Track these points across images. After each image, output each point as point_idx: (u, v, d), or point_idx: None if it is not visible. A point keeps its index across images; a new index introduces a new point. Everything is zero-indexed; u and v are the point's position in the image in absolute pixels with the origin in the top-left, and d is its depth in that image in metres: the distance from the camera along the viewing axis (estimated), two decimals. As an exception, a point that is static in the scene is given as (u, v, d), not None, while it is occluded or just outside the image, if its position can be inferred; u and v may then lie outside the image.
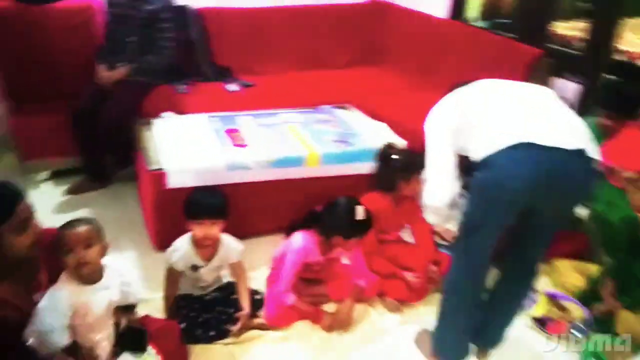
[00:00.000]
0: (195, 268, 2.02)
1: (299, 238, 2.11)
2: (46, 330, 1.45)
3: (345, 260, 2.25)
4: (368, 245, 2.26)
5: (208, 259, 2.03)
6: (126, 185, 2.90)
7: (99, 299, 1.56)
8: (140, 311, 1.95)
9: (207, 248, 2.01)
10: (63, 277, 1.54)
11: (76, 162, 2.92)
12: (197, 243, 1.99)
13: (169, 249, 2.00)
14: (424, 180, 1.85)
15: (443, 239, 2.47)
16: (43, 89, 2.84)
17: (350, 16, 3.80)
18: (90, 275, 1.55)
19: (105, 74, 2.80)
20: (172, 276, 2.02)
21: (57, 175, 2.99)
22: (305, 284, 2.23)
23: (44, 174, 2.96)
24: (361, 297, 2.23)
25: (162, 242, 2.25)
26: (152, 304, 2.09)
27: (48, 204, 2.76)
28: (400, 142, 2.68)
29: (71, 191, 2.86)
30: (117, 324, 1.67)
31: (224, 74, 3.37)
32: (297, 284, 2.16)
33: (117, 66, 2.81)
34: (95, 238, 1.56)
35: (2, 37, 2.76)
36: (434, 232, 2.46)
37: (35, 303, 1.50)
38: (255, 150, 2.50)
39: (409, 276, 2.27)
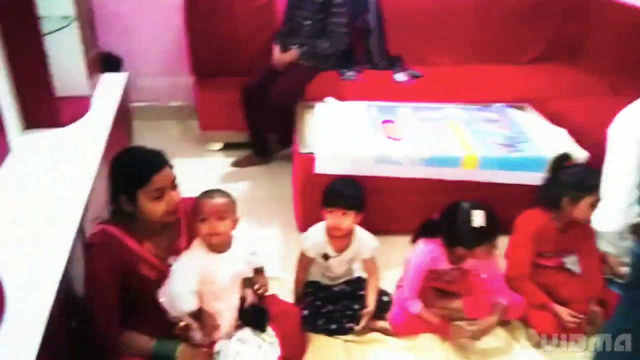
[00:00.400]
0: (326, 257, 1.99)
1: (422, 245, 1.95)
2: (176, 292, 1.54)
3: (483, 275, 2.02)
4: (519, 265, 2.00)
5: (340, 250, 1.99)
6: (285, 165, 3.01)
7: (226, 268, 1.61)
8: (271, 289, 2.00)
9: (339, 239, 1.97)
10: (195, 243, 1.63)
11: (246, 137, 3.11)
12: (330, 232, 1.96)
13: (304, 234, 2.01)
14: (598, 200, 1.54)
15: (616, 274, 2.07)
16: (223, 65, 3.07)
17: (543, 5, 3.37)
18: (220, 245, 1.61)
19: (278, 55, 2.91)
20: (304, 261, 2.02)
21: (228, 147, 3.22)
22: (437, 295, 2.06)
23: (218, 145, 3.22)
24: (503, 317, 1.98)
25: (306, 224, 2.27)
26: (284, 284, 2.14)
27: (216, 172, 3.01)
28: (580, 154, 2.30)
29: (236, 164, 3.07)
30: (242, 299, 1.71)
31: (395, 63, 3.27)
32: (427, 294, 2.01)
33: (290, 49, 2.89)
34: (229, 211, 1.61)
35: (192, 15, 3.02)
36: (605, 265, 2.07)
37: (171, 266, 1.62)
38: (408, 145, 2.37)
39: (563, 312, 1.94)
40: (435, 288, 2.07)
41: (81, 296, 1.70)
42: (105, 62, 3.14)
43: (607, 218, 1.48)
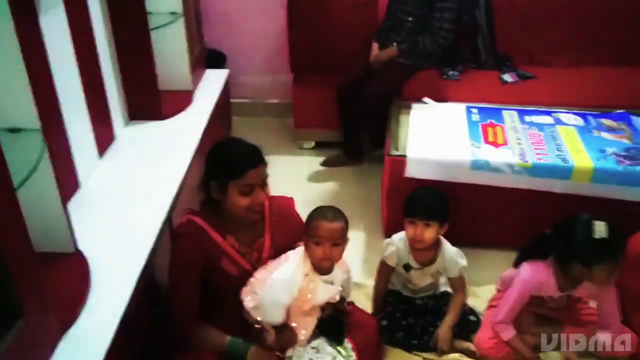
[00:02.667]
0: (407, 268, 1.87)
1: (528, 267, 1.74)
2: (268, 302, 1.50)
3: (593, 304, 1.78)
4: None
5: (423, 262, 1.86)
6: (376, 167, 2.91)
7: (323, 291, 1.56)
8: (350, 296, 1.93)
9: (423, 251, 1.84)
10: (299, 254, 1.58)
11: (338, 136, 3.06)
12: (411, 244, 1.83)
13: (386, 241, 1.90)
14: None
15: None
16: (321, 63, 3.03)
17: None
18: (326, 268, 1.57)
19: (377, 52, 2.82)
20: (384, 270, 1.92)
21: (320, 146, 3.19)
22: (535, 321, 1.85)
23: (310, 143, 3.20)
24: (602, 354, 1.74)
25: (392, 230, 2.16)
26: (364, 290, 2.06)
27: (305, 170, 2.99)
28: None
29: (327, 163, 3.02)
30: (322, 308, 1.65)
31: (503, 63, 3.03)
32: (524, 318, 1.81)
33: (389, 45, 2.79)
34: (344, 237, 1.57)
35: (294, 12, 3.02)
36: None
37: (255, 262, 1.60)
38: (510, 152, 2.17)
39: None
40: (534, 313, 1.86)
41: (164, 286, 1.75)
42: (209, 58, 3.25)
43: None
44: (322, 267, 1.55)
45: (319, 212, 1.56)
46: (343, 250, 1.57)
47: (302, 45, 3.01)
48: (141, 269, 1.58)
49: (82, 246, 1.61)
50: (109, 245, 1.68)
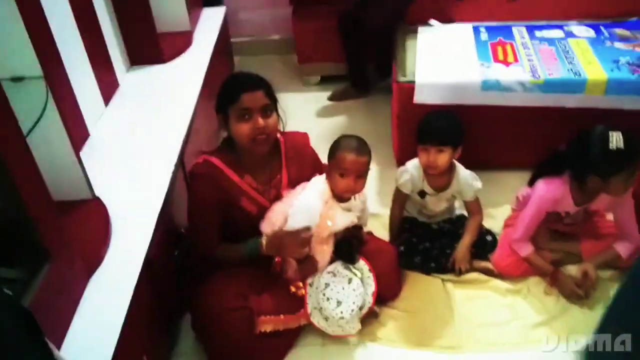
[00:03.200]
0: (422, 194, 1.87)
1: (543, 184, 1.74)
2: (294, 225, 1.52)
3: (609, 217, 1.78)
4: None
5: (438, 188, 1.86)
6: (384, 97, 2.86)
7: (342, 218, 1.58)
8: (368, 226, 1.95)
9: (437, 176, 1.83)
10: (319, 181, 1.59)
11: (344, 69, 2.99)
12: (425, 170, 1.82)
13: (400, 169, 1.90)
14: None
15: None
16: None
17: None
18: (347, 197, 1.59)
19: (377, -26, 2.70)
20: (399, 197, 1.92)
21: (325, 81, 3.13)
22: (552, 236, 1.87)
23: (315, 78, 3.13)
24: (617, 263, 1.77)
25: (404, 159, 2.14)
26: (381, 220, 2.08)
27: (313, 107, 2.94)
28: None
29: (334, 97, 2.97)
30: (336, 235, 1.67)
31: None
32: (541, 233, 1.83)
33: (390, -32, 2.66)
34: (368, 169, 1.57)
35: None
36: None
37: (273, 198, 1.61)
38: (521, 69, 2.11)
39: None
40: (550, 229, 1.88)
41: (184, 226, 1.78)
42: (204, -4, 3.14)
43: None
44: (344, 197, 1.56)
45: (346, 143, 1.55)
46: (365, 181, 1.58)
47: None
48: (159, 210, 1.60)
49: (99, 193, 1.63)
50: (126, 190, 1.69)
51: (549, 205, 1.74)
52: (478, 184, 1.85)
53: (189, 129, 2.00)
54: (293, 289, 1.61)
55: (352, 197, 1.61)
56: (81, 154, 1.83)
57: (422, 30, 2.49)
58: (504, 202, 2.08)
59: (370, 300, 1.63)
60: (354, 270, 1.63)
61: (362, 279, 1.61)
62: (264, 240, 1.55)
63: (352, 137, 1.59)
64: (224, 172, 1.54)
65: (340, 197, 1.58)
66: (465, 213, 1.96)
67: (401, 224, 1.96)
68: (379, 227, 2.05)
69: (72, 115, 1.82)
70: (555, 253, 1.84)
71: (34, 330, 0.91)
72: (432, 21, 2.55)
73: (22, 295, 1.11)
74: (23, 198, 1.10)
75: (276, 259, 1.61)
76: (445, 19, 2.57)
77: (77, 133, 1.87)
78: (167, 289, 1.65)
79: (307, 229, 1.50)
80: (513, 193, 2.01)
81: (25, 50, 1.32)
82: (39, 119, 1.30)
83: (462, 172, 1.86)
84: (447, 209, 1.95)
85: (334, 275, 1.59)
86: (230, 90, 1.50)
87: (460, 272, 1.83)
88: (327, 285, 1.57)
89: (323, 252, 1.59)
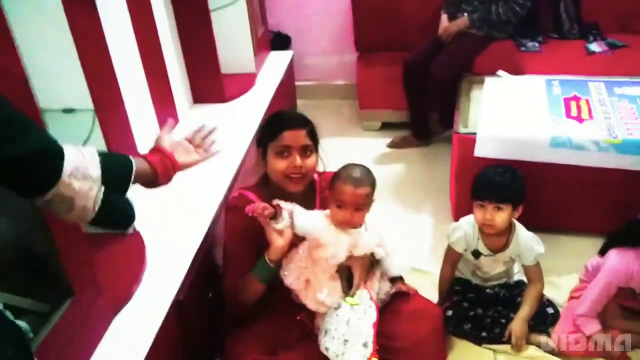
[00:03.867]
0: (476, 254, 1.72)
1: (617, 255, 1.54)
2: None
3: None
4: None
5: (495, 249, 1.71)
6: (445, 148, 2.74)
7: (344, 241, 1.45)
8: (415, 283, 1.81)
9: (494, 236, 1.68)
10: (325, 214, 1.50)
11: (405, 117, 2.92)
12: (480, 228, 1.68)
13: (452, 225, 1.76)
14: None
15: None
16: (386, 40, 2.89)
17: None
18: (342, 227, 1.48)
19: (446, 23, 2.64)
20: (451, 256, 1.78)
21: (386, 127, 3.06)
22: (623, 314, 1.65)
23: (376, 124, 3.07)
24: None
25: (460, 214, 2.01)
26: (431, 278, 1.94)
27: (371, 153, 2.87)
28: None
29: (393, 145, 2.89)
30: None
31: (589, 32, 2.74)
32: (610, 311, 1.62)
33: (459, 16, 2.60)
34: (369, 202, 1.47)
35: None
36: None
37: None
38: (596, 126, 1.94)
39: None
40: (622, 306, 1.66)
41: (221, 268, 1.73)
42: (274, 41, 3.21)
43: None
44: (344, 229, 1.46)
45: (345, 173, 1.46)
46: (365, 214, 1.47)
47: (367, 21, 2.88)
48: (196, 250, 1.57)
49: (140, 226, 1.62)
50: (167, 227, 1.68)
51: (622, 280, 1.54)
52: (540, 248, 1.68)
53: (239, 169, 1.98)
54: None
55: (362, 229, 1.49)
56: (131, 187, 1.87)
57: (489, 81, 2.38)
58: (570, 271, 1.88)
59: (371, 333, 1.42)
60: (348, 298, 1.46)
61: (357, 308, 1.42)
62: (266, 255, 1.45)
63: (355, 166, 1.49)
64: None
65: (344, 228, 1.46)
66: (524, 279, 1.78)
67: (452, 286, 1.80)
68: (429, 286, 1.90)
69: (126, 149, 1.86)
70: (625, 334, 1.60)
71: (22, 348, 0.86)
72: (501, 72, 2.44)
73: (39, 328, 1.09)
74: (51, 231, 1.09)
75: (300, 315, 1.50)
76: (516, 71, 2.45)
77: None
78: (197, 331, 1.59)
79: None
80: (581, 261, 1.81)
81: (78, 84, 1.36)
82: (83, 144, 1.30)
83: (522, 233, 1.69)
84: (504, 272, 1.78)
85: (335, 308, 1.46)
86: (273, 126, 1.49)
87: (516, 347, 1.64)
88: (323, 318, 1.45)
89: (334, 288, 1.46)
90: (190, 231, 1.65)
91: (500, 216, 1.61)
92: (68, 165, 0.87)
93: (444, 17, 2.66)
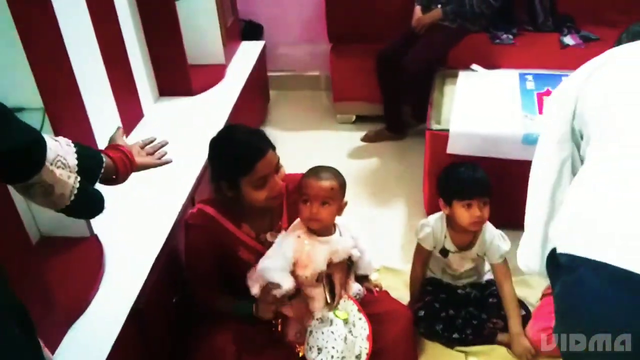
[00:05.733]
0: (444, 252, 1.70)
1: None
2: (268, 268, 1.40)
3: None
4: None
5: (462, 246, 1.68)
6: (419, 142, 2.70)
7: (323, 252, 1.42)
8: (386, 282, 1.78)
9: (461, 234, 1.66)
10: (296, 223, 1.47)
11: (380, 110, 2.87)
12: (456, 226, 1.65)
13: (420, 222, 1.73)
14: None
15: None
16: (360, 31, 2.82)
17: None
18: (320, 230, 1.44)
19: (419, 15, 2.58)
20: (420, 254, 1.75)
21: (360, 120, 3.01)
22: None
23: (349, 117, 3.02)
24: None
25: (433, 211, 1.98)
26: (402, 277, 1.92)
27: (345, 147, 2.82)
28: None
29: (367, 138, 2.85)
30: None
31: (563, 24, 2.72)
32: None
33: (432, 8, 2.55)
34: (335, 197, 1.43)
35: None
36: None
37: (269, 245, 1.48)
38: (569, 123, 1.92)
39: None
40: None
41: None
42: (245, 30, 3.12)
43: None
44: (312, 228, 1.42)
45: (312, 171, 1.44)
46: (334, 212, 1.42)
47: (340, 12, 2.80)
48: (156, 255, 1.50)
49: (99, 229, 1.55)
50: (127, 229, 1.60)
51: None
52: (505, 246, 1.66)
53: (204, 167, 1.91)
54: (301, 352, 1.46)
55: (336, 232, 1.46)
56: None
57: (462, 75, 2.34)
58: (542, 269, 1.87)
59: (366, 346, 1.43)
60: (336, 312, 1.44)
61: (348, 322, 1.43)
62: (254, 307, 1.44)
63: (323, 167, 1.45)
64: (219, 222, 1.44)
65: (315, 231, 1.43)
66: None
67: (423, 285, 1.77)
68: (400, 285, 1.88)
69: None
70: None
71: (27, 327, 0.87)
72: (475, 66, 2.41)
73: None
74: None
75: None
76: (490, 64, 2.42)
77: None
78: (159, 339, 1.53)
79: (277, 285, 1.36)
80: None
81: (26, 82, 1.27)
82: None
83: (489, 230, 1.67)
84: (473, 269, 1.76)
85: (321, 321, 1.42)
86: (241, 160, 1.36)
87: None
88: (310, 332, 1.41)
89: (315, 296, 1.44)
90: (153, 232, 1.58)
91: (487, 211, 1.60)
92: (51, 153, 0.90)
93: (417, 9, 2.60)
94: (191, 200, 1.77)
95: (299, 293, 1.43)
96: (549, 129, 1.13)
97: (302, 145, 2.76)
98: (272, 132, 2.95)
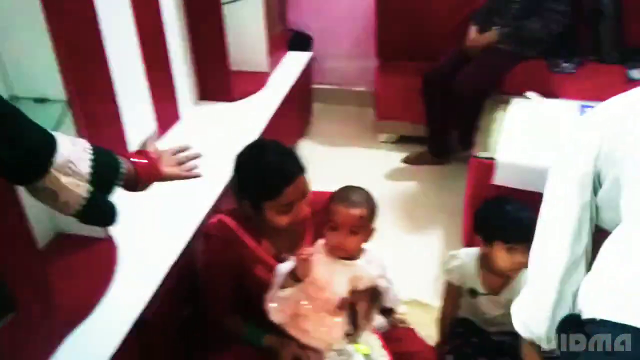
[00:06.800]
0: (473, 293, 1.54)
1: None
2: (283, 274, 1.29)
3: None
4: None
5: (493, 289, 1.52)
6: (463, 170, 2.56)
7: (342, 276, 1.30)
8: (415, 317, 1.65)
9: (494, 275, 1.50)
10: (318, 243, 1.35)
11: (424, 131, 2.74)
12: (492, 268, 1.50)
13: (449, 253, 1.59)
14: None
15: None
16: (409, 48, 2.72)
17: None
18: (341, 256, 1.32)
19: (474, 36, 2.45)
20: (450, 291, 1.60)
21: (402, 141, 2.88)
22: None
23: (391, 136, 2.91)
24: None
25: (471, 243, 1.84)
26: (432, 313, 1.77)
27: (384, 167, 2.71)
28: None
29: (408, 160, 2.72)
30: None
31: (630, 57, 2.53)
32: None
33: (489, 29, 2.42)
34: (365, 225, 1.30)
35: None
36: None
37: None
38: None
39: None
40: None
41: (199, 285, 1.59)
42: (294, 40, 3.07)
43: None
44: (336, 255, 1.31)
45: (341, 194, 1.30)
46: (361, 241, 1.30)
47: (390, 28, 2.71)
48: (171, 263, 1.42)
49: (115, 230, 1.48)
50: (146, 233, 1.54)
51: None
52: None
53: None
54: None
55: (361, 256, 1.33)
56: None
57: (515, 102, 2.19)
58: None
59: None
60: (358, 345, 1.32)
61: (370, 358, 1.31)
62: (265, 340, 1.34)
63: (353, 188, 1.33)
64: (238, 236, 1.35)
65: (338, 255, 1.31)
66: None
67: (454, 326, 1.62)
68: (428, 322, 1.73)
69: (115, 143, 1.73)
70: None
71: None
72: (530, 93, 2.25)
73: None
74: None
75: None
76: (546, 93, 2.25)
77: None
78: (162, 354, 1.44)
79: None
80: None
81: (50, 73, 1.22)
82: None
83: (525, 276, 1.50)
84: (506, 316, 1.59)
85: (340, 353, 1.30)
86: (268, 184, 1.28)
87: None
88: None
89: (333, 325, 1.32)
90: (171, 239, 1.50)
91: (526, 257, 1.43)
92: (59, 158, 0.85)
93: (473, 29, 2.48)
94: (215, 209, 1.70)
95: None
96: (567, 168, 0.98)
97: (340, 161, 2.67)
98: (311, 146, 2.89)
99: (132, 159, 1.07)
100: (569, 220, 0.94)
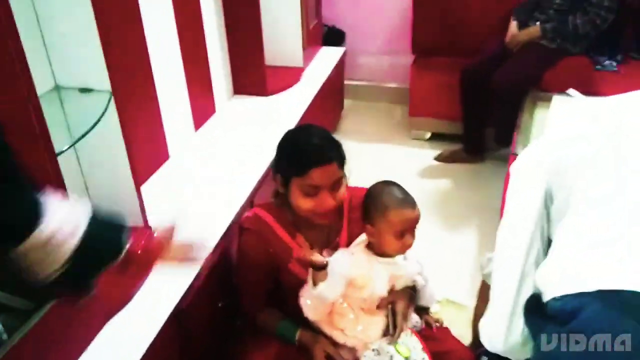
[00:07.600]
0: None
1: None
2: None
3: None
4: None
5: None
6: (500, 168, 2.52)
7: (382, 275, 1.30)
8: (449, 316, 1.63)
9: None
10: (361, 242, 1.34)
11: (457, 129, 2.70)
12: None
13: (487, 255, 1.55)
14: None
15: None
16: (446, 44, 2.68)
17: None
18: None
19: (515, 31, 2.40)
20: (485, 291, 1.56)
21: (436, 138, 2.85)
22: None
23: (424, 133, 2.87)
24: None
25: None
26: (466, 313, 1.74)
27: (416, 164, 2.68)
28: None
29: (442, 158, 2.68)
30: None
31: (678, 54, 2.44)
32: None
33: (530, 24, 2.36)
34: (416, 227, 1.30)
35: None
36: None
37: None
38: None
39: None
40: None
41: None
42: (327, 35, 3.06)
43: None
44: (391, 256, 1.31)
45: (394, 199, 1.28)
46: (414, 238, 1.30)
47: (428, 22, 2.67)
48: (206, 255, 1.43)
49: (155, 221, 1.50)
50: (183, 224, 1.55)
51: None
52: None
53: (268, 169, 1.84)
54: None
55: (400, 257, 1.32)
56: (153, 175, 1.76)
57: (557, 99, 2.13)
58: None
59: None
60: (398, 346, 1.30)
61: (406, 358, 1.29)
62: (298, 335, 1.33)
63: (396, 189, 1.30)
64: (273, 229, 1.34)
65: (377, 251, 1.30)
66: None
67: (489, 326, 1.59)
68: (463, 322, 1.70)
69: (152, 135, 1.76)
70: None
71: None
72: (572, 91, 2.19)
73: (19, 326, 0.98)
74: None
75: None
76: (589, 91, 2.19)
77: (155, 153, 1.80)
78: (199, 343, 1.45)
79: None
80: None
81: (96, 63, 1.24)
82: (91, 128, 1.19)
83: None
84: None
85: (377, 353, 1.29)
86: (298, 161, 1.26)
87: None
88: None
89: (370, 324, 1.31)
90: (207, 231, 1.51)
91: None
92: (41, 236, 0.72)
93: (514, 24, 2.42)
94: (250, 202, 1.70)
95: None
96: (520, 206, 1.00)
97: (371, 157, 2.65)
98: (342, 141, 2.85)
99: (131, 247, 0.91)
100: (523, 231, 0.96)
